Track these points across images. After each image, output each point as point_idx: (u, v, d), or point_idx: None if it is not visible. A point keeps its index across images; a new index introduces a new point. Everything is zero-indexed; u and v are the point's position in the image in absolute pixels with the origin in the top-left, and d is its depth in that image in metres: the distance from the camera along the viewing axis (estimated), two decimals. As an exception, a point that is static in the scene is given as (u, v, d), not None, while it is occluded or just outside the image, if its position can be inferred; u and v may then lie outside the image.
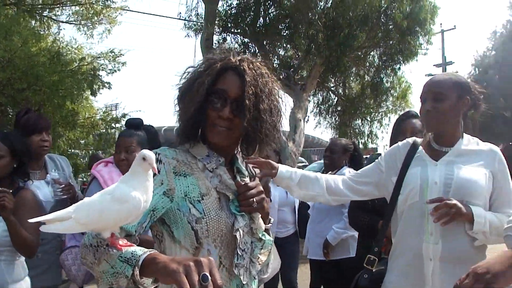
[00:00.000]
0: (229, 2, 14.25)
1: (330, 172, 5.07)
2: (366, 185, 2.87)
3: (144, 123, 3.84)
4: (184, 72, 1.93)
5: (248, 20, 13.78)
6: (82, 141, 10.83)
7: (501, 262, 1.57)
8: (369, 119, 17.43)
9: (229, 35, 14.72)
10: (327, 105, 17.62)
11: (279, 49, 15.16)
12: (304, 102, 13.71)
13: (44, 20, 12.46)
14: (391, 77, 16.40)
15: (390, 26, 13.00)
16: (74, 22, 12.93)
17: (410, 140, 2.87)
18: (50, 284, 3.60)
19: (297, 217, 5.71)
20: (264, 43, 14.11)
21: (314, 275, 5.81)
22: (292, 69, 15.01)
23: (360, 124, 17.67)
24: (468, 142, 2.70)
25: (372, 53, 15.79)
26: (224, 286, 1.68)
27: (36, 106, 8.84)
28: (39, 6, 11.89)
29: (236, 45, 14.73)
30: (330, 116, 17.70)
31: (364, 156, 6.72)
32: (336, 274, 4.72)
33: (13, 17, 8.76)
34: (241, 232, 1.82)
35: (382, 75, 16.08)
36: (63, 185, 3.67)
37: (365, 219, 3.62)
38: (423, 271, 2.55)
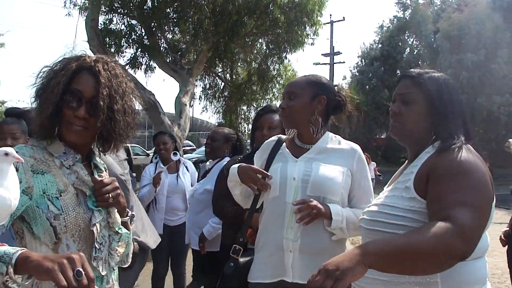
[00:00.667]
0: (116, -19, 13.85)
1: (210, 160, 5.10)
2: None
3: (24, 106, 3.75)
4: (40, 72, 1.93)
5: (135, 1, 13.48)
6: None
7: (350, 259, 1.66)
8: (255, 105, 17.64)
9: (115, 16, 14.33)
10: (214, 90, 17.71)
11: (167, 33, 14.96)
12: (190, 86, 13.66)
13: None
14: (278, 65, 16.74)
15: (278, 16, 13.19)
16: None
17: (276, 137, 3.00)
18: None
19: None
20: (152, 25, 13.88)
21: (194, 263, 5.89)
22: (179, 53, 14.90)
23: (246, 110, 17.92)
24: (330, 140, 2.84)
25: (260, 40, 16.00)
26: None
27: None
28: None
29: (123, 27, 14.41)
30: (217, 101, 17.80)
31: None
32: (213, 264, 4.71)
33: None
34: (98, 226, 1.88)
35: (269, 63, 16.37)
36: None
37: (231, 209, 3.66)
38: (283, 262, 2.69)
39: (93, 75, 1.87)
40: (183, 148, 13.30)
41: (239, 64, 17.42)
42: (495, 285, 6.88)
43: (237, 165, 2.91)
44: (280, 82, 17.40)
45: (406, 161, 2.25)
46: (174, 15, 14.13)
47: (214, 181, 4.26)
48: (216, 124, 19.42)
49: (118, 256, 1.99)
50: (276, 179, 2.74)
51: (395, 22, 35.29)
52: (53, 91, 1.83)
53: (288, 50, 15.23)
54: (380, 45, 35.51)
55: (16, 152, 1.80)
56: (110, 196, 1.91)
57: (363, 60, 36.44)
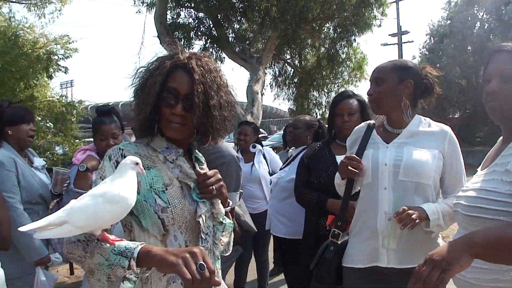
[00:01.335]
0: (182, -24, 14.06)
1: (292, 147, 5.12)
2: None
3: (103, 101, 3.97)
4: (136, 72, 2.01)
5: (201, -6, 13.64)
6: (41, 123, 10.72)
7: (456, 249, 1.64)
8: (326, 90, 17.51)
9: (182, 11, 14.57)
10: (284, 77, 17.68)
11: (234, 23, 15.06)
12: (260, 74, 13.71)
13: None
14: (347, 49, 16.52)
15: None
16: (24, 2, 12.63)
17: (364, 124, 3.00)
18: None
19: None
20: (219, 17, 14.01)
21: (275, 250, 5.95)
22: (247, 42, 14.98)
23: (317, 95, 17.80)
24: (420, 123, 2.81)
25: (327, 24, 15.85)
26: None
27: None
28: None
29: (191, 20, 14.61)
30: (287, 88, 17.77)
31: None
32: (295, 251, 4.71)
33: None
34: (204, 217, 1.94)
35: (337, 47, 16.18)
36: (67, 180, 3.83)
37: (313, 196, 3.70)
38: (378, 247, 2.70)
39: (187, 73, 1.92)
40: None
41: (307, 49, 17.31)
42: None
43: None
44: (350, 65, 17.21)
45: (499, 141, 2.19)
46: (241, 5, 14.20)
47: None
48: (287, 111, 19.39)
49: (222, 245, 2.06)
50: (368, 166, 2.75)
51: (463, -4, 34.00)
52: (150, 91, 1.90)
53: (356, 32, 15.04)
54: (449, 21, 34.24)
55: (122, 149, 1.90)
56: (214, 188, 1.97)
57: (431, 38, 35.26)
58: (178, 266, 1.49)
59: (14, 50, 9.03)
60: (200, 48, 14.79)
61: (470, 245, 1.64)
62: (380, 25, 15.16)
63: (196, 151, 2.16)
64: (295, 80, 17.56)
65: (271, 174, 5.89)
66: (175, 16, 14.50)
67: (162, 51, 2.09)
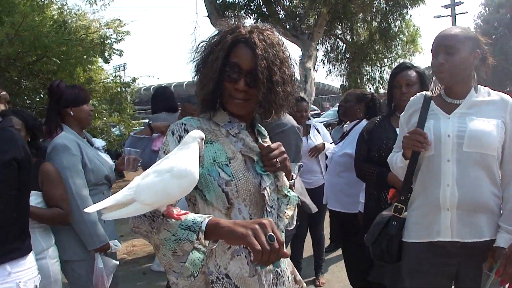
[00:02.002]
0: (231, -45, 14.00)
1: (344, 123, 5.09)
2: None
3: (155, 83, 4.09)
4: (197, 47, 2.00)
5: (250, -29, 13.55)
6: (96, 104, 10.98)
7: None
8: (379, 65, 17.23)
9: (231, -10, 14.53)
10: (335, 53, 17.46)
11: (284, 0, 14.93)
12: (312, 51, 13.57)
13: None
14: (399, 22, 16.17)
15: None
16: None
17: (420, 95, 2.92)
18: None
19: None
20: (268, -6, 13.92)
21: (331, 226, 5.93)
22: (298, 19, 14.83)
23: (370, 70, 17.51)
24: (479, 93, 2.74)
25: (378, -2, 15.56)
26: None
27: (49, 75, 8.93)
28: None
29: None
30: (339, 63, 17.55)
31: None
32: (352, 226, 4.69)
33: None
34: (268, 190, 1.93)
35: (389, 20, 15.85)
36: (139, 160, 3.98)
37: (374, 170, 3.66)
38: (440, 221, 2.65)
39: (250, 47, 1.89)
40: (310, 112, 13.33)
41: (359, 24, 16.98)
42: None
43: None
44: (403, 39, 16.84)
45: None
46: (291, -19, 14.03)
47: (353, 144, 4.30)
48: (339, 87, 19.24)
49: (286, 219, 2.04)
50: (430, 137, 2.67)
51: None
52: (212, 66, 1.89)
53: (409, 5, 14.69)
54: (505, -10, 33.14)
55: (185, 124, 1.91)
56: (278, 160, 1.95)
57: (487, 8, 34.21)
58: (247, 237, 1.48)
59: (67, 36, 9.19)
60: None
61: None
62: (433, -4, 14.76)
63: (259, 124, 2.14)
64: (347, 55, 17.30)
65: None
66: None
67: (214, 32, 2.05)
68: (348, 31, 17.11)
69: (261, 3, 14.27)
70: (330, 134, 6.88)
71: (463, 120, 2.66)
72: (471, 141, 2.59)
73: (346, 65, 17.39)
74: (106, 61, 10.52)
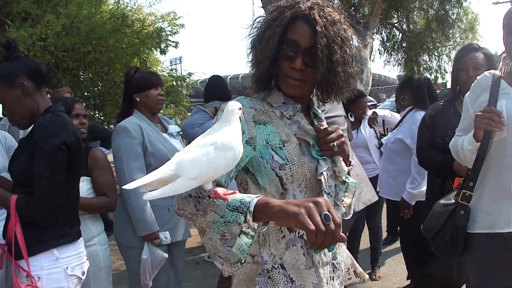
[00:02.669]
0: None
1: (401, 111, 4.98)
2: None
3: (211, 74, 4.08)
4: (254, 22, 1.89)
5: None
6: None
7: None
8: (436, 54, 16.86)
9: (280, -21, 14.47)
10: (392, 42, 17.17)
11: (340, -12, 14.76)
12: (368, 40, 13.37)
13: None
14: (457, 9, 15.77)
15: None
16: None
17: (488, 73, 2.74)
18: (181, 238, 3.72)
19: None
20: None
21: (389, 217, 5.81)
22: (353, 8, 14.64)
23: (428, 59, 17.15)
24: None
25: (435, -15, 15.22)
26: None
27: (105, 67, 9.08)
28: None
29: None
30: (396, 53, 17.26)
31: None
32: (413, 216, 4.53)
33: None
34: (325, 175, 1.82)
35: (447, 8, 15.46)
36: None
37: (438, 157, 3.50)
38: (508, 210, 2.49)
39: (309, 24, 1.76)
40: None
41: (415, 12, 16.66)
42: None
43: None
44: (461, 26, 16.43)
45: None
46: (345, -30, 13.86)
47: (405, 130, 4.42)
48: (396, 78, 18.98)
49: (344, 207, 1.94)
50: (504, 118, 2.47)
51: None
52: (268, 42, 1.78)
53: (466, -9, 14.33)
54: None
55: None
56: (335, 144, 1.83)
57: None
58: (300, 216, 1.32)
59: (124, 29, 9.35)
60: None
61: None
62: (492, -18, 14.33)
63: (315, 107, 2.02)
64: (404, 44, 17.02)
65: None
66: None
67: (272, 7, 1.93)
68: (404, 20, 16.85)
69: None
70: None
71: None
72: None
73: (403, 54, 17.10)
74: (162, 52, 10.64)
